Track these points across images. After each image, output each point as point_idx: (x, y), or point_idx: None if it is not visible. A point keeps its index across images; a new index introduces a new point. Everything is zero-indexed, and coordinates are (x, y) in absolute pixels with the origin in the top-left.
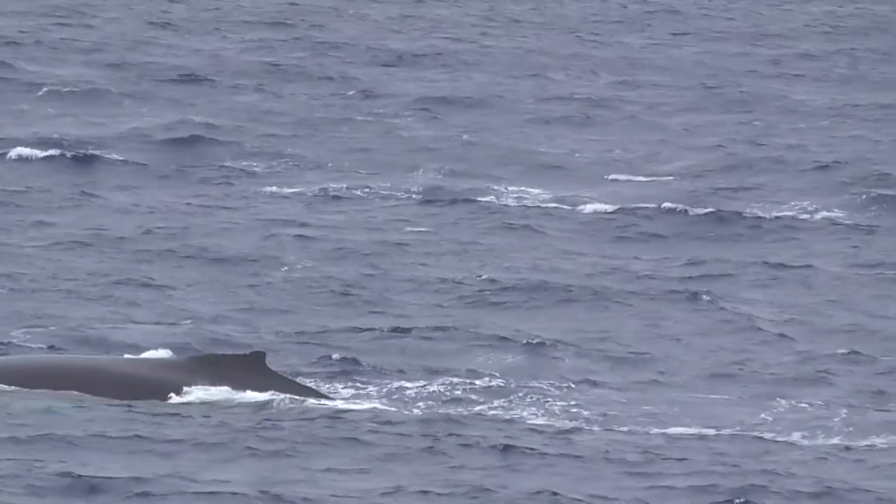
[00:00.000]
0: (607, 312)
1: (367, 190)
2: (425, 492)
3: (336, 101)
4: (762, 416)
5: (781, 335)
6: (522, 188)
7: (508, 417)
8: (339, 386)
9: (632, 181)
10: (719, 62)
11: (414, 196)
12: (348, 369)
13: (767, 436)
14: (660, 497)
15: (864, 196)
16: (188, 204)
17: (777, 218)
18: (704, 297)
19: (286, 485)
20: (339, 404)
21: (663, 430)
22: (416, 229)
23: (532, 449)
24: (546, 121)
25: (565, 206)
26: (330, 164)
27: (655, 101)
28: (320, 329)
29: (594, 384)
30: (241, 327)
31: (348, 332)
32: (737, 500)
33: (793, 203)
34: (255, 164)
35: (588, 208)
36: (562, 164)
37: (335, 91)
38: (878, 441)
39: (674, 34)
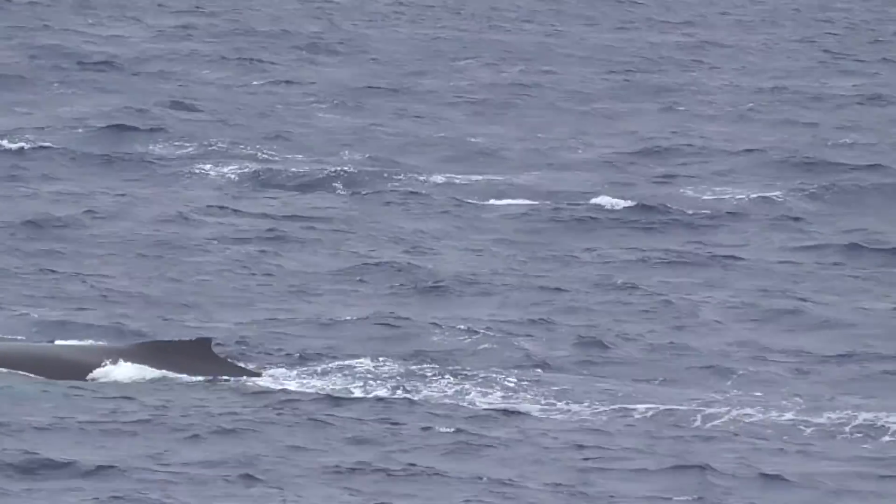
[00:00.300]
0: (549, 298)
1: (296, 176)
2: (384, 469)
3: (258, 88)
4: (712, 395)
5: (720, 322)
6: (449, 175)
7: (462, 402)
8: (284, 371)
9: (561, 168)
10: (634, 49)
11: (342, 182)
12: (292, 354)
13: (719, 413)
14: (614, 479)
15: (797, 181)
16: (119, 191)
17: (708, 203)
18: (643, 284)
19: (250, 464)
20: (286, 387)
21: (615, 414)
22: (348, 216)
23: (485, 433)
24: (467, 107)
25: (494, 193)
26: (258, 149)
27: (574, 88)
28: (264, 315)
29: (544, 369)
30: (184, 313)
31: (292, 317)
32: (691, 482)
33: (724, 188)
34: (182, 150)
35: (518, 195)
36: (487, 150)
37: (255, 78)
38: (828, 421)
39: (587, 24)
